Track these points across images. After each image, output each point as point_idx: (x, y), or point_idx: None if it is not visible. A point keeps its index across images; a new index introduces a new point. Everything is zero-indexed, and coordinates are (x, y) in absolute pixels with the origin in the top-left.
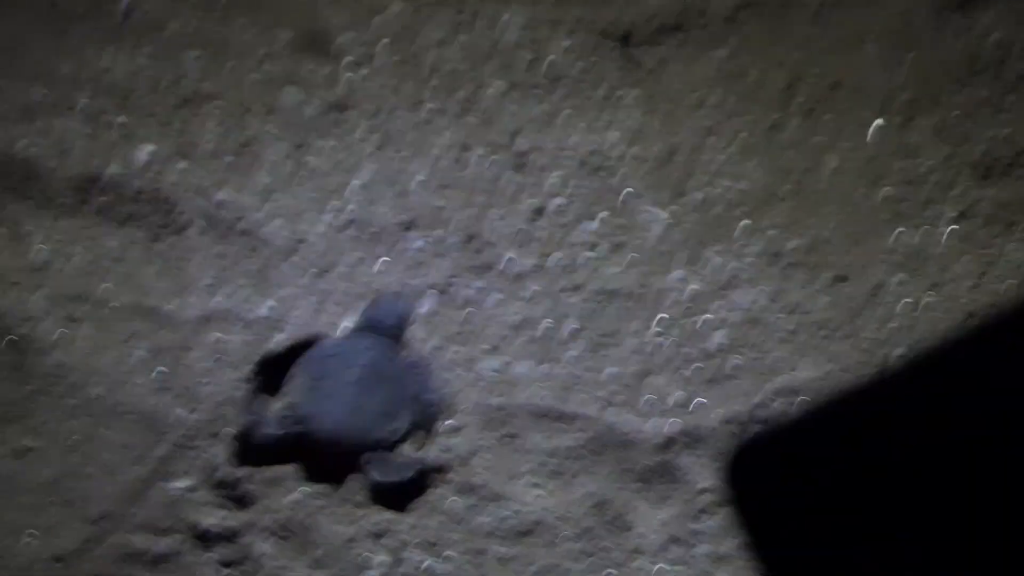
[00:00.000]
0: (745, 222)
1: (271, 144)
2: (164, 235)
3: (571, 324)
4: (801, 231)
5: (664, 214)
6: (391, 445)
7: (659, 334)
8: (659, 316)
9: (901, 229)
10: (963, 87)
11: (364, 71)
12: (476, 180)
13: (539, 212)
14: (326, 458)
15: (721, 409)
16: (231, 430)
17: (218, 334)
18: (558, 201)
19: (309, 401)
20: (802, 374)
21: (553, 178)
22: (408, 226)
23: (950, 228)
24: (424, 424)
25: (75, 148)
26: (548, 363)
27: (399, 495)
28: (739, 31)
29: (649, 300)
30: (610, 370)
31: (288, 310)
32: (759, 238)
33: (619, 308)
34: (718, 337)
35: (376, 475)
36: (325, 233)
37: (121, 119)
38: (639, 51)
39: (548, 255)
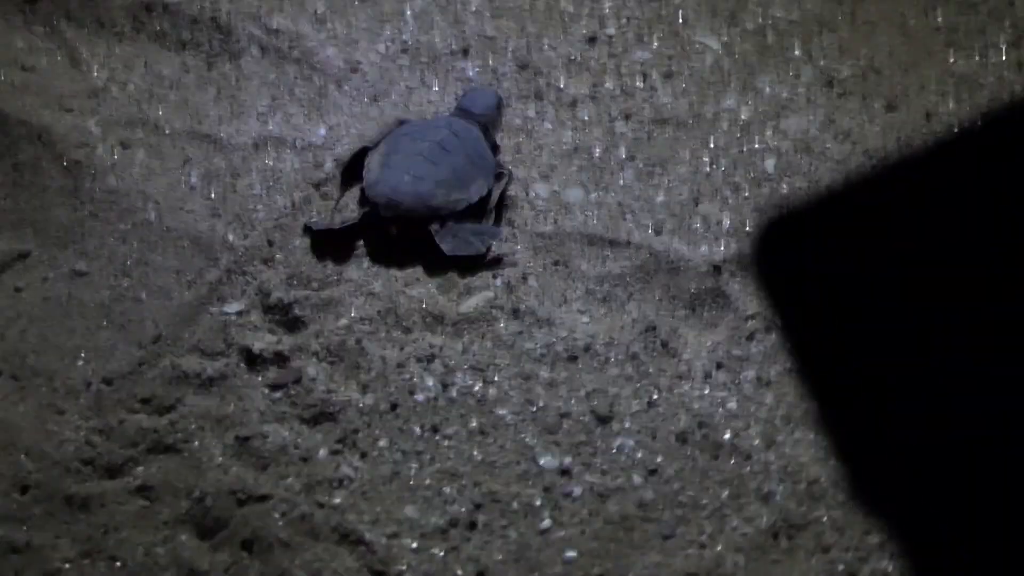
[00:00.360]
0: (798, 50)
1: None
2: (219, 61)
3: (623, 151)
4: (853, 59)
5: (717, 42)
6: (456, 215)
7: (710, 162)
8: (711, 144)
9: (953, 58)
10: None
11: None
12: (530, 7)
13: (592, 40)
14: (378, 221)
15: (767, 237)
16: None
17: (271, 160)
18: (611, 28)
19: (378, 173)
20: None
21: (607, 5)
22: (462, 53)
23: (1002, 57)
24: (489, 199)
25: None
26: (599, 190)
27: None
28: None
29: (701, 128)
30: (660, 198)
31: (341, 136)
32: (811, 66)
33: (670, 136)
34: (769, 165)
35: (446, 247)
36: (379, 60)
37: None
38: None
39: (600, 83)
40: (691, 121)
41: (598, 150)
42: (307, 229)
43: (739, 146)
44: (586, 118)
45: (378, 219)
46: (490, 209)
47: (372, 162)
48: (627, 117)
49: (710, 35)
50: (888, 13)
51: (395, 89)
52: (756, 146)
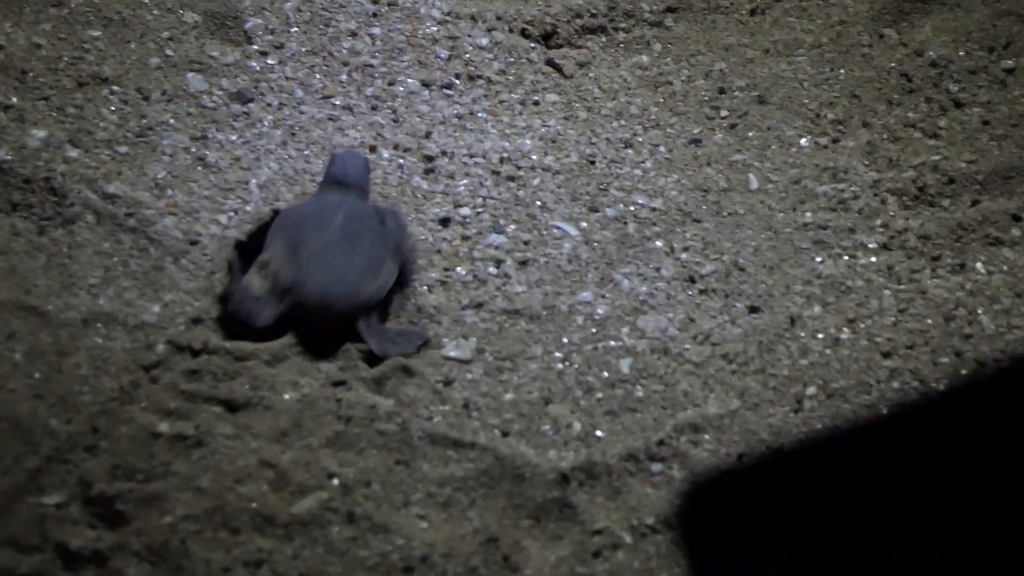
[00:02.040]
0: (658, 243)
1: (169, 134)
2: (51, 227)
3: (471, 344)
4: (717, 255)
5: (575, 230)
6: (381, 304)
7: (562, 359)
8: (563, 340)
9: (821, 258)
10: (894, 107)
11: (272, 60)
12: (382, 183)
13: (445, 222)
14: (317, 322)
15: (622, 444)
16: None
17: (100, 339)
18: (465, 211)
19: (293, 267)
20: (709, 409)
21: (462, 186)
22: None
23: (872, 260)
24: (405, 277)
25: None
26: (445, 386)
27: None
28: (665, 36)
29: (554, 322)
30: (509, 396)
31: (176, 315)
32: (673, 261)
33: (522, 329)
34: (623, 366)
35: (376, 346)
36: (220, 233)
37: (14, 99)
38: (560, 53)
39: (452, 268)
40: (544, 314)
41: (445, 342)
42: (232, 311)
43: (594, 343)
44: (434, 307)
45: (313, 324)
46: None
47: (276, 256)
48: (477, 307)
49: (568, 222)
50: (755, 206)
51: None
52: (612, 344)
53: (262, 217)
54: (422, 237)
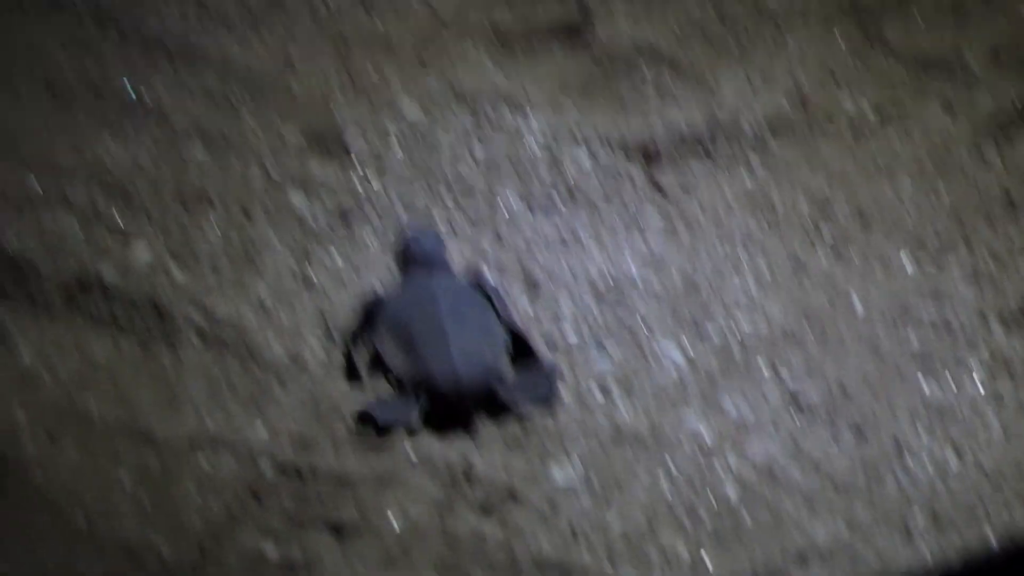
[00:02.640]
0: (764, 366)
1: (272, 253)
2: (156, 346)
3: (577, 468)
4: (821, 379)
5: (679, 354)
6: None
7: (668, 485)
8: (669, 465)
9: (926, 382)
10: (997, 227)
11: (374, 180)
12: None
13: (550, 344)
14: (452, 402)
15: (730, 574)
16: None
17: (207, 462)
18: (570, 335)
19: (414, 361)
20: (818, 538)
21: (566, 308)
22: None
23: (977, 384)
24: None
25: (68, 246)
26: (552, 511)
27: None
28: (768, 156)
29: (660, 446)
30: (615, 521)
31: (281, 437)
32: (777, 384)
33: (628, 453)
34: (730, 492)
35: (523, 402)
36: (323, 355)
37: (118, 218)
38: (663, 173)
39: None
40: (650, 438)
41: (552, 467)
42: (366, 417)
43: (700, 468)
44: (540, 430)
45: (451, 406)
46: (519, 342)
47: (389, 349)
48: (583, 430)
49: (673, 346)
50: (859, 330)
51: (338, 386)
52: (718, 469)
53: (363, 306)
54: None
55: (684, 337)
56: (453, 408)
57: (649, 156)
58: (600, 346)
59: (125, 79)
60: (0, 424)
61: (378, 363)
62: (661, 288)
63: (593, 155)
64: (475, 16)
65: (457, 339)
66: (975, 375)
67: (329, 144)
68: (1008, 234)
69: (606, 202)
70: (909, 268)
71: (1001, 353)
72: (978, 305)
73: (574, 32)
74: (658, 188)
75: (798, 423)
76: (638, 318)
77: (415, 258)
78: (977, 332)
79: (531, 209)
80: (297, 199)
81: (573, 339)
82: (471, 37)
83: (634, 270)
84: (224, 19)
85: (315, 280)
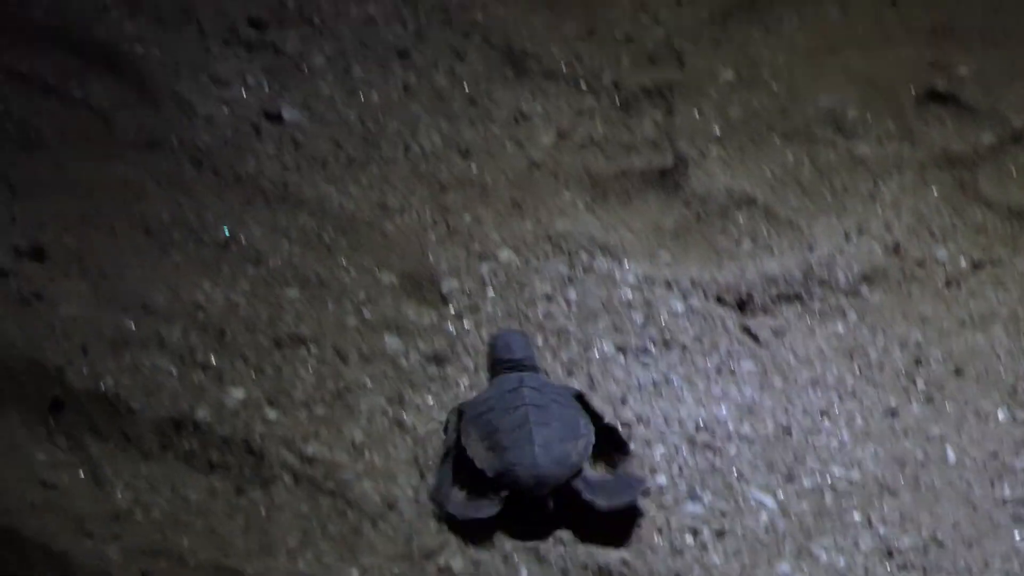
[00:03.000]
0: (856, 515)
1: (366, 396)
2: (250, 488)
3: None
4: (915, 529)
5: (772, 501)
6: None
7: None
8: None
9: (1020, 535)
10: None
11: (468, 323)
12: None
13: (644, 492)
14: (535, 498)
15: None
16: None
17: None
18: (662, 479)
19: (498, 456)
20: None
21: (658, 453)
22: None
23: None
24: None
25: (163, 387)
26: None
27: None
28: (861, 304)
29: None
30: None
31: None
32: (870, 534)
33: None
34: None
35: (600, 502)
36: (416, 497)
37: (212, 359)
38: (756, 319)
39: (649, 539)
40: None
41: None
42: (448, 515)
43: None
44: (627, 573)
45: (532, 499)
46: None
47: (475, 447)
48: (677, 575)
49: (765, 492)
50: (953, 481)
51: (428, 528)
52: None
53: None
54: None
55: (777, 484)
56: (534, 501)
57: (743, 303)
58: (692, 491)
59: (222, 221)
60: (94, 562)
61: (462, 460)
62: (754, 435)
63: (686, 301)
64: (569, 160)
65: (541, 433)
66: None
67: (423, 287)
68: None
69: (699, 348)
70: (1003, 419)
71: None
72: None
73: (668, 179)
74: (751, 335)
75: (891, 574)
76: (730, 464)
77: (503, 358)
78: None
79: (624, 354)
80: (392, 342)
81: (664, 482)
82: (565, 182)
83: (727, 416)
84: (320, 161)
85: (408, 423)
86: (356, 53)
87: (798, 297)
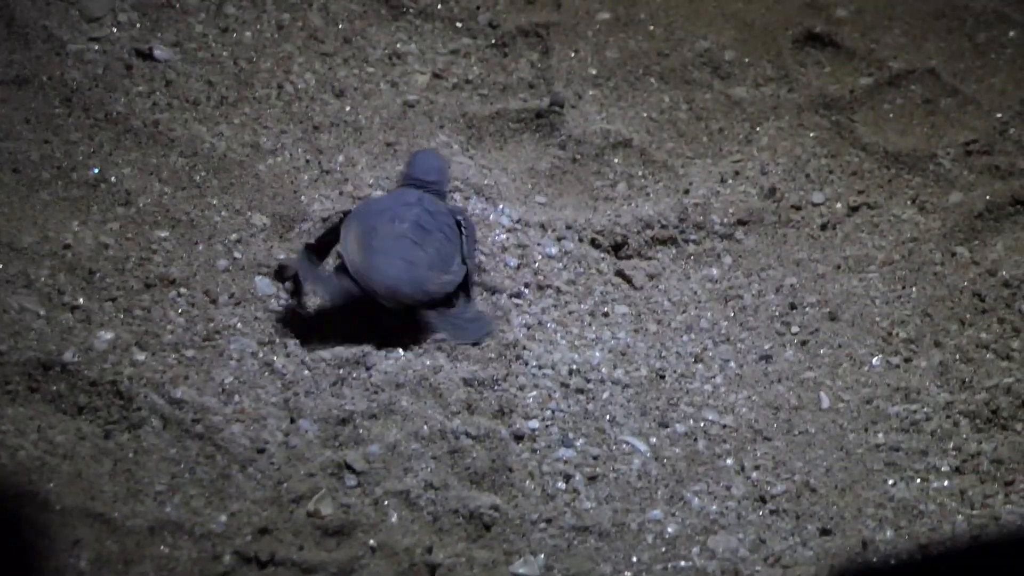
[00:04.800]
0: (729, 461)
1: (236, 338)
2: (117, 432)
3: (539, 561)
4: (788, 475)
5: (645, 446)
6: (447, 299)
7: None
8: (632, 559)
9: (893, 480)
10: (966, 327)
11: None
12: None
13: (519, 438)
14: (384, 309)
15: None
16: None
17: (167, 548)
18: (534, 424)
19: (364, 257)
20: None
21: (530, 398)
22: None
23: (944, 483)
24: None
25: (30, 329)
26: None
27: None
28: (736, 249)
29: (623, 540)
30: None
31: (243, 525)
32: (743, 479)
33: (591, 547)
34: None
35: (448, 334)
36: (287, 443)
37: (81, 301)
38: (630, 263)
39: (521, 483)
40: (614, 531)
41: (515, 560)
42: (284, 271)
43: (663, 563)
44: (504, 520)
45: (379, 307)
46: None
47: (349, 241)
48: (547, 522)
49: (638, 437)
50: (826, 426)
51: (297, 474)
52: (682, 564)
53: (332, 220)
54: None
55: (650, 429)
56: (381, 308)
57: (617, 247)
58: (565, 436)
59: (91, 160)
60: None
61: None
62: (627, 379)
63: (561, 244)
64: (444, 101)
65: (413, 252)
66: (942, 472)
67: (296, 228)
68: (978, 334)
69: (573, 292)
70: (877, 365)
71: (968, 451)
72: (946, 403)
73: (544, 121)
74: (626, 279)
75: (763, 519)
76: (604, 409)
77: (414, 176)
78: (945, 431)
79: (497, 296)
80: (262, 284)
81: (537, 428)
82: (440, 123)
83: (600, 361)
84: (192, 100)
85: (279, 366)
86: None
87: (673, 241)
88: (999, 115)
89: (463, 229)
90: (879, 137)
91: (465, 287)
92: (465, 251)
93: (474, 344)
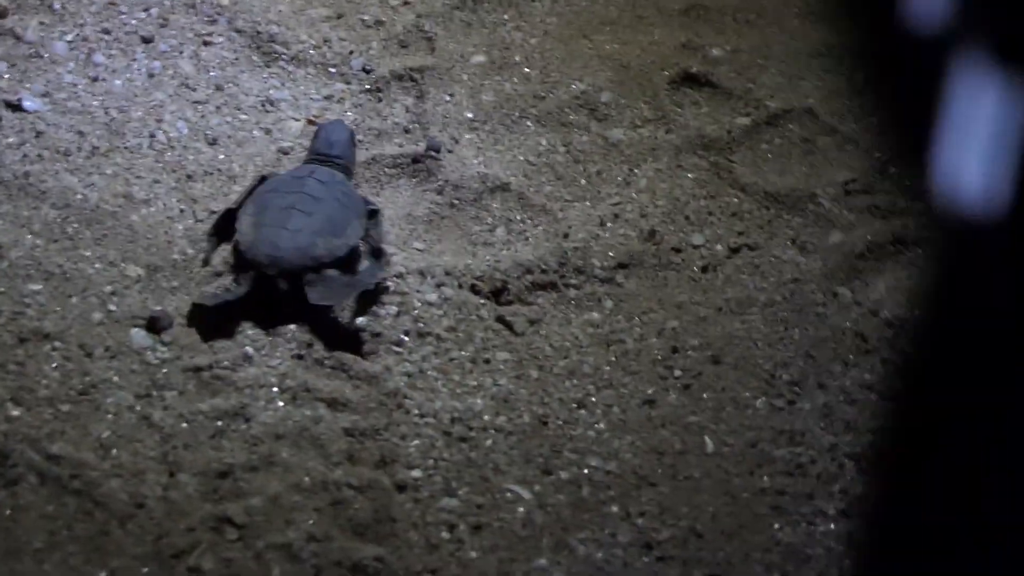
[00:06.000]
0: (614, 507)
1: (113, 392)
2: None
3: None
4: (674, 520)
5: (529, 494)
6: (338, 261)
7: None
8: None
9: (779, 524)
10: (850, 368)
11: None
12: None
13: (401, 488)
14: (270, 282)
15: None
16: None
17: None
18: (416, 473)
19: (253, 233)
20: None
21: (412, 447)
22: None
23: (831, 527)
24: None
25: None
26: None
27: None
28: (617, 293)
29: None
30: None
31: None
32: (629, 526)
33: None
34: None
35: (314, 296)
36: (166, 496)
37: None
38: (510, 309)
39: (405, 533)
40: None
41: None
42: (201, 307)
43: None
44: (381, 570)
45: (264, 278)
46: (370, 250)
47: (243, 224)
48: (432, 572)
49: (522, 485)
50: (711, 470)
51: (176, 529)
52: None
53: (250, 183)
54: None
55: (533, 476)
56: (266, 280)
57: (497, 292)
58: (448, 486)
59: None
60: None
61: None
62: (510, 427)
63: (440, 290)
64: None
65: (298, 220)
66: (828, 516)
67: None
68: (862, 375)
69: (454, 339)
70: (761, 408)
71: (854, 494)
72: (831, 446)
73: (420, 166)
74: (506, 324)
75: (650, 566)
76: (487, 457)
77: (316, 149)
78: (831, 473)
79: (377, 345)
80: (138, 336)
81: (419, 477)
82: None
83: (482, 408)
84: (63, 151)
85: (156, 419)
86: (98, 40)
87: (553, 285)
88: (878, 154)
89: (369, 208)
90: (758, 177)
91: (374, 254)
92: (371, 228)
93: (373, 289)
